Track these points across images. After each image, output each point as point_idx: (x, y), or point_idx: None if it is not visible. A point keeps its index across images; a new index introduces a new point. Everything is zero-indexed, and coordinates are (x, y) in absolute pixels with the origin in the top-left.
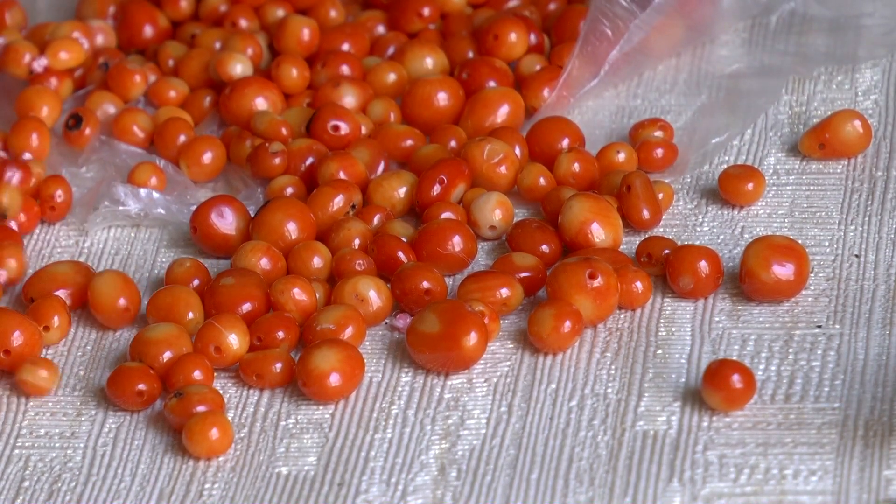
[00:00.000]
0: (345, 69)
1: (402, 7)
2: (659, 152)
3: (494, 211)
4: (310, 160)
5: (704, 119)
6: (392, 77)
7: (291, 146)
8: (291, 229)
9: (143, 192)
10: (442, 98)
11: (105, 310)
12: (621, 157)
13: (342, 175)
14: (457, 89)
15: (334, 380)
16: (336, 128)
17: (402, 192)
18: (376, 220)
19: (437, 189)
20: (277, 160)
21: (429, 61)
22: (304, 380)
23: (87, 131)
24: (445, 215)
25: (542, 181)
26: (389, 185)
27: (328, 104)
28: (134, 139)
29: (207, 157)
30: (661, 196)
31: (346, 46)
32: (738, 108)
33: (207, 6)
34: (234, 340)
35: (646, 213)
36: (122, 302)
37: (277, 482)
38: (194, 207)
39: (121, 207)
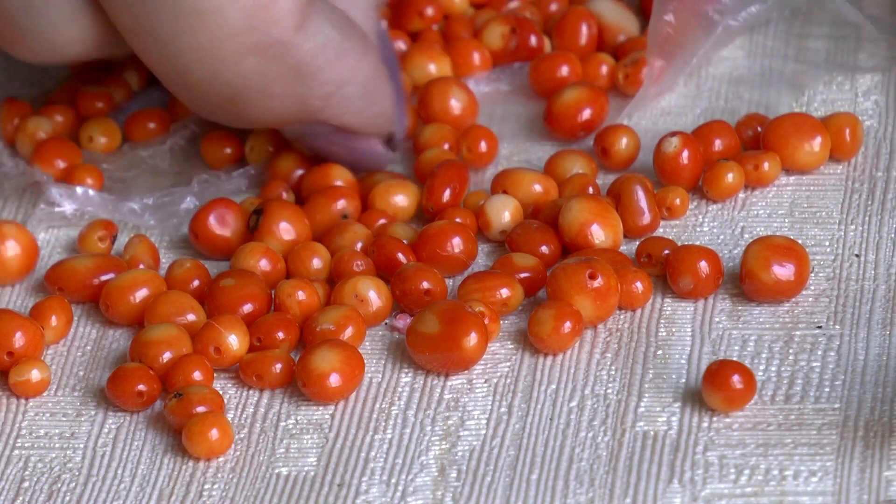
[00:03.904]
0: None
1: (404, 7)
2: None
3: (505, 213)
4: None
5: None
6: None
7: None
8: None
9: (79, 190)
10: (455, 106)
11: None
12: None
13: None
14: (468, 91)
15: (334, 380)
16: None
17: (401, 199)
18: (380, 223)
19: (447, 194)
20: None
21: (432, 67)
22: (304, 380)
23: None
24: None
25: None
26: (392, 192)
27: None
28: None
29: None
30: (677, 201)
31: None
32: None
33: None
34: (234, 341)
35: (643, 219)
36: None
37: (277, 483)
38: (135, 204)
39: (56, 209)
